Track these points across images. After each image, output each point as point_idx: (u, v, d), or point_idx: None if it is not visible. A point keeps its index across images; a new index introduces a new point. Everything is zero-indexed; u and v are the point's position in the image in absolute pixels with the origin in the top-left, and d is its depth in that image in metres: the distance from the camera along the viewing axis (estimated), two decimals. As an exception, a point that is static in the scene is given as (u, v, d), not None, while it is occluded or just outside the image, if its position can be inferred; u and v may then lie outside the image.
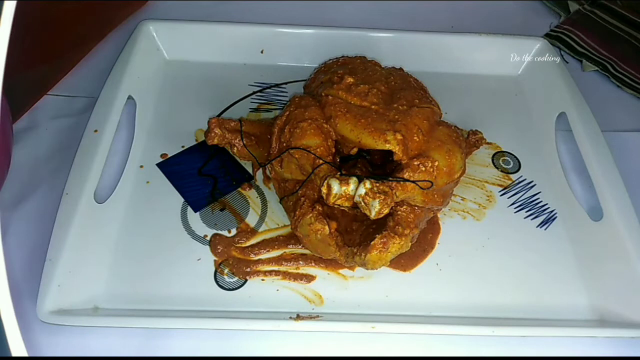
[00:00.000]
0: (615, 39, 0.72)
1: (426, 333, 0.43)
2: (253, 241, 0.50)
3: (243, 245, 0.49)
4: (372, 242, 0.43)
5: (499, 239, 0.51)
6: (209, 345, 0.44)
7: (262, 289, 0.47)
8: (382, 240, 0.43)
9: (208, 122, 0.53)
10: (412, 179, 0.44)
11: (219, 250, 0.49)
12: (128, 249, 0.49)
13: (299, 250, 0.49)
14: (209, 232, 0.50)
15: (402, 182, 0.43)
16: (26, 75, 0.55)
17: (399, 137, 0.45)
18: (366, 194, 0.41)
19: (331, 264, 0.48)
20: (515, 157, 0.59)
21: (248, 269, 0.48)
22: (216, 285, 0.47)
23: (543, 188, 0.56)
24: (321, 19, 0.68)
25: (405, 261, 0.49)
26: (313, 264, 0.48)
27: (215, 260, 0.48)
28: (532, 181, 0.57)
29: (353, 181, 0.42)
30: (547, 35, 0.72)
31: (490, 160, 0.58)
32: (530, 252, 0.51)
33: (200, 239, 0.50)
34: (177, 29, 0.63)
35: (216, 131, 0.52)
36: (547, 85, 0.63)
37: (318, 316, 0.44)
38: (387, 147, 0.45)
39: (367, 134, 0.45)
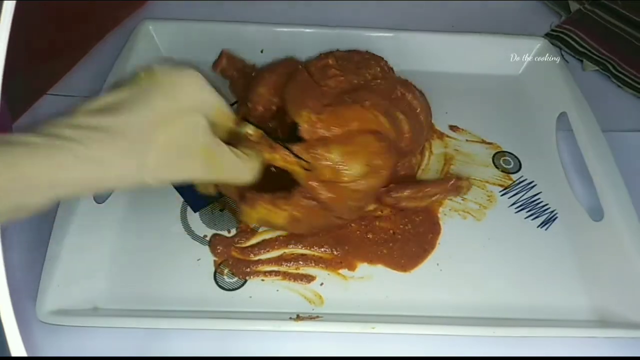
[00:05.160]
0: (616, 38, 0.72)
1: (426, 333, 0.43)
2: (253, 241, 0.50)
3: (243, 246, 0.49)
4: (248, 194, 0.44)
5: (499, 239, 0.51)
6: (208, 345, 0.44)
7: (262, 290, 0.47)
8: (255, 196, 0.44)
9: (221, 51, 0.58)
10: (299, 155, 0.43)
11: (219, 251, 0.49)
12: (128, 249, 0.48)
13: (299, 250, 0.49)
14: (209, 232, 0.50)
15: (284, 149, 0.42)
16: (26, 74, 0.55)
17: (313, 117, 0.43)
18: (246, 135, 0.41)
19: (331, 264, 0.48)
20: (515, 157, 0.59)
21: (248, 269, 0.48)
22: (216, 286, 0.47)
23: (544, 188, 0.56)
24: (321, 19, 0.68)
25: (405, 261, 0.49)
26: (313, 264, 0.48)
27: (215, 261, 0.48)
28: (532, 181, 0.56)
29: (248, 125, 0.42)
30: (548, 35, 0.72)
31: (491, 160, 0.58)
32: (531, 252, 0.51)
33: (200, 239, 0.50)
34: (177, 29, 0.63)
35: (224, 62, 0.57)
36: (547, 85, 0.63)
37: (318, 317, 0.44)
38: (297, 120, 0.44)
39: (291, 101, 0.46)
